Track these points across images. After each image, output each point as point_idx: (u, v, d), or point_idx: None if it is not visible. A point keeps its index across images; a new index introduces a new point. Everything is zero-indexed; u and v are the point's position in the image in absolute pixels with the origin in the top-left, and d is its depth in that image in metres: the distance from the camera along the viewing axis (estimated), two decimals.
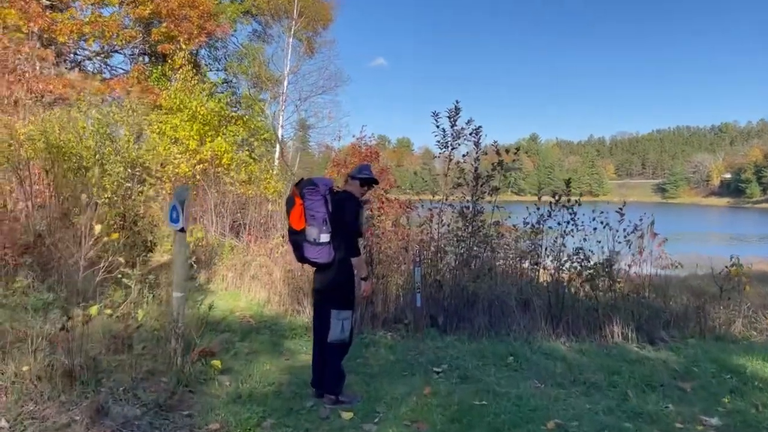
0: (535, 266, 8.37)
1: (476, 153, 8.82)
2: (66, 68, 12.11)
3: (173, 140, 13.87)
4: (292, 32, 21.86)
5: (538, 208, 8.58)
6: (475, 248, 8.57)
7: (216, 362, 4.96)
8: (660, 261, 8.36)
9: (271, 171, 14.34)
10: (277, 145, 17.98)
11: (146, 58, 18.82)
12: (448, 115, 8.85)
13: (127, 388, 4.05)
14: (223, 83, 21.20)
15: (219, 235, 12.37)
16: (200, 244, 11.92)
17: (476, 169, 8.73)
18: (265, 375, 5.26)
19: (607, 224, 8.26)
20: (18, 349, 4.01)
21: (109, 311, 4.92)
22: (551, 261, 8.37)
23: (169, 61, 15.55)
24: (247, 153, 13.92)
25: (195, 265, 11.30)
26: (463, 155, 8.98)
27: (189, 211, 4.45)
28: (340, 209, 4.57)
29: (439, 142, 8.94)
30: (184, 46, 15.49)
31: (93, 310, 4.76)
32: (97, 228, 4.98)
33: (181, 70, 15.18)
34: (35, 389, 3.69)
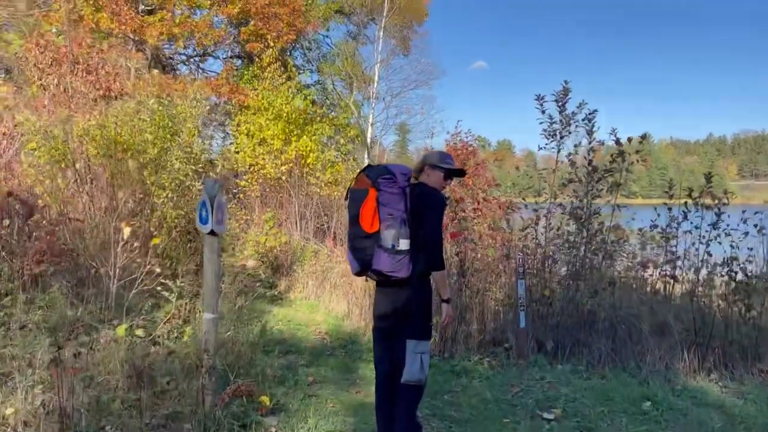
0: (670, 279, 6.75)
1: (590, 143, 7.35)
2: (157, 72, 11.85)
3: (260, 141, 13.33)
4: (383, 25, 20.89)
5: (670, 209, 6.99)
6: (589, 256, 7.10)
7: (264, 398, 3.94)
8: None
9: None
10: (367, 145, 17.10)
11: (239, 62, 18.63)
12: (555, 98, 7.43)
13: None
14: (316, 84, 20.68)
15: (302, 240, 11.60)
16: (283, 249, 11.22)
17: (590, 161, 7.25)
18: (326, 417, 4.18)
19: (762, 228, 6.54)
20: (6, 384, 3.17)
21: (140, 332, 4.04)
22: (689, 272, 6.74)
23: (257, 60, 15.09)
24: (333, 153, 13.06)
25: (268, 272, 10.60)
26: (575, 145, 7.50)
27: (225, 210, 3.46)
28: (422, 207, 3.48)
29: (544, 131, 7.53)
30: (272, 44, 14.95)
31: (120, 330, 3.91)
32: (126, 231, 4.16)
33: (268, 68, 14.65)
34: None
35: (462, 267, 6.61)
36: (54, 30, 12.10)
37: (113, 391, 3.36)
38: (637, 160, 7.33)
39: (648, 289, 7.20)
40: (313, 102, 14.37)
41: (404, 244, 3.32)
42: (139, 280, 4.30)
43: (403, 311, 3.48)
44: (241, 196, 13.21)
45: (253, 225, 12.52)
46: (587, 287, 6.76)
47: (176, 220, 6.23)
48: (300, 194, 12.19)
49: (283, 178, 12.41)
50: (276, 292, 9.58)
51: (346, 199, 3.53)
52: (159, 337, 4.37)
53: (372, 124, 18.99)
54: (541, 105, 7.42)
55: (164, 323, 4.42)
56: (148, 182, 6.13)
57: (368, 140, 17.40)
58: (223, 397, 3.40)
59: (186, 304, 5.19)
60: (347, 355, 6.25)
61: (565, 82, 7.42)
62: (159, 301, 4.81)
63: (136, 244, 4.39)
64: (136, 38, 13.90)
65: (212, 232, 3.36)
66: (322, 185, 12.39)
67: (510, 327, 6.57)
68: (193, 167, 6.41)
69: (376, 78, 20.09)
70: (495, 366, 5.97)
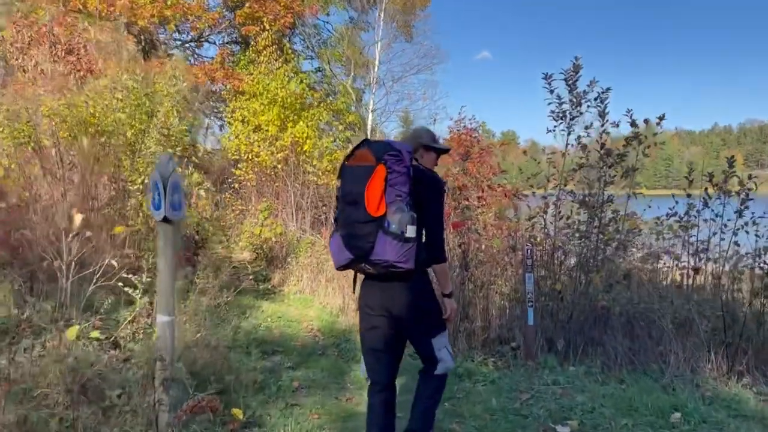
0: (691, 271, 6.20)
1: (602, 125, 6.79)
2: (134, 47, 11.26)
3: (255, 128, 12.78)
4: (383, 7, 20.17)
5: (689, 195, 6.44)
6: (602, 246, 6.55)
7: (236, 411, 3.41)
8: None
9: None
10: (367, 132, 16.48)
11: (236, 48, 18.05)
12: (564, 76, 6.84)
13: None
14: (316, 72, 20.06)
15: (299, 231, 11.08)
16: (279, 240, 10.71)
17: (603, 145, 6.69)
18: (309, 430, 3.66)
19: None
20: None
21: (96, 335, 3.51)
22: (713, 264, 6.18)
23: (252, 43, 14.51)
24: (331, 139, 12.50)
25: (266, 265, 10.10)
26: (586, 127, 6.92)
27: (182, 192, 2.92)
28: (428, 192, 3.10)
29: (552, 112, 6.97)
30: (268, 27, 14.36)
31: (71, 332, 3.37)
32: (77, 219, 3.63)
33: (264, 52, 14.09)
34: None
35: (465, 259, 6.06)
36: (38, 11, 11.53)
37: (52, 407, 2.84)
38: (655, 144, 6.78)
39: (666, 282, 6.65)
40: (311, 87, 13.78)
41: (411, 231, 2.85)
42: (98, 275, 3.77)
43: (414, 307, 3.03)
44: (237, 185, 12.71)
45: (249, 215, 12.05)
46: (600, 281, 6.23)
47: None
48: (296, 183, 11.65)
49: (279, 166, 11.86)
50: (269, 286, 9.08)
51: (338, 177, 3.03)
52: (122, 339, 3.85)
53: (372, 111, 18.36)
54: (549, 84, 6.86)
55: (127, 324, 3.90)
56: (123, 166, 5.60)
57: (368, 127, 16.78)
58: (180, 415, 2.88)
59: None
60: (340, 355, 5.73)
61: (576, 58, 6.83)
62: (129, 298, 4.28)
63: (88, 234, 3.86)
64: (126, 20, 13.31)
65: (166, 220, 2.83)
66: (320, 174, 11.85)
67: (517, 324, 6.03)
68: (171, 150, 5.86)
69: (377, 62, 19.41)
70: (501, 367, 5.44)
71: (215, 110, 16.27)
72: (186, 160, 6.48)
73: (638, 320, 5.70)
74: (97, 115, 5.73)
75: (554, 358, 5.55)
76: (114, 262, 3.70)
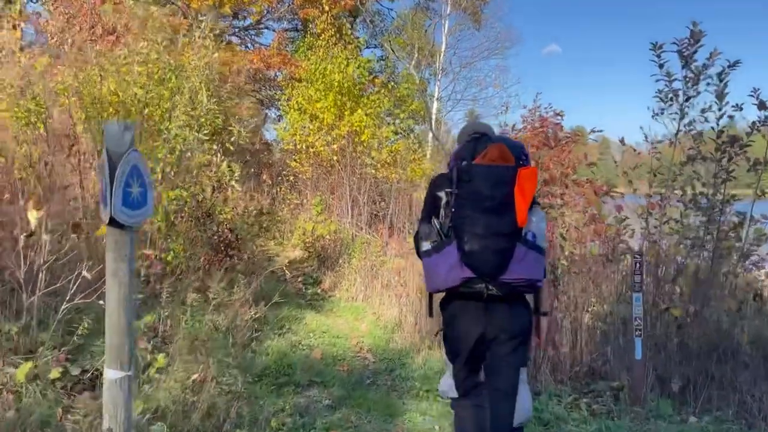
0: None
1: (720, 108, 5.52)
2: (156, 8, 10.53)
3: (311, 117, 11.93)
4: None
5: None
6: (720, 259, 5.26)
7: None
8: None
9: (421, 150, 11.77)
10: (431, 121, 15.29)
11: (296, 35, 17.30)
12: (677, 47, 5.58)
13: None
14: (378, 60, 19.04)
15: (354, 228, 10.11)
16: (332, 239, 9.79)
17: (720, 133, 5.43)
18: None
19: None
20: None
21: (55, 374, 2.58)
22: None
23: (311, 26, 13.63)
24: (392, 129, 11.46)
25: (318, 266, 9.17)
26: (703, 110, 5.61)
27: (145, 181, 1.90)
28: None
29: (659, 92, 5.72)
30: (327, 9, 13.44)
31: (21, 372, 2.46)
32: (32, 216, 2.72)
33: (323, 35, 13.19)
34: None
35: (555, 272, 4.87)
36: None
37: None
38: None
39: None
40: (371, 72, 12.76)
41: (544, 242, 2.65)
42: (72, 290, 2.84)
43: (523, 330, 2.69)
44: (292, 178, 11.93)
45: (303, 210, 11.28)
46: (722, 301, 4.93)
47: (178, 203, 4.78)
48: (353, 176, 10.67)
49: (335, 157, 10.92)
50: (318, 290, 8.13)
51: (462, 179, 2.51)
52: (97, 377, 2.91)
53: (438, 99, 17.06)
54: (658, 56, 5.59)
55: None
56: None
57: (432, 116, 15.58)
58: None
59: (168, 318, 3.73)
60: (393, 386, 4.67)
61: (693, 24, 5.51)
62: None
63: (45, 237, 2.94)
64: (180, 3, 12.69)
65: (114, 222, 1.80)
66: (378, 166, 10.83)
67: (616, 354, 4.80)
68: (197, 134, 4.94)
69: (443, 46, 18.09)
70: (598, 412, 4.24)
71: (272, 99, 15.52)
72: (218, 146, 5.57)
73: None
74: (116, 91, 4.89)
75: (669, 403, 4.31)
76: (86, 274, 2.76)
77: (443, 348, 2.95)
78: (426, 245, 2.55)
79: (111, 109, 4.94)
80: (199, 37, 5.56)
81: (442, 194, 2.56)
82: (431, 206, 2.62)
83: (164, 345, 3.44)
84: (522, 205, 2.44)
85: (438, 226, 2.52)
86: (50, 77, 5.20)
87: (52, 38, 8.28)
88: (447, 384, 2.89)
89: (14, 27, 6.09)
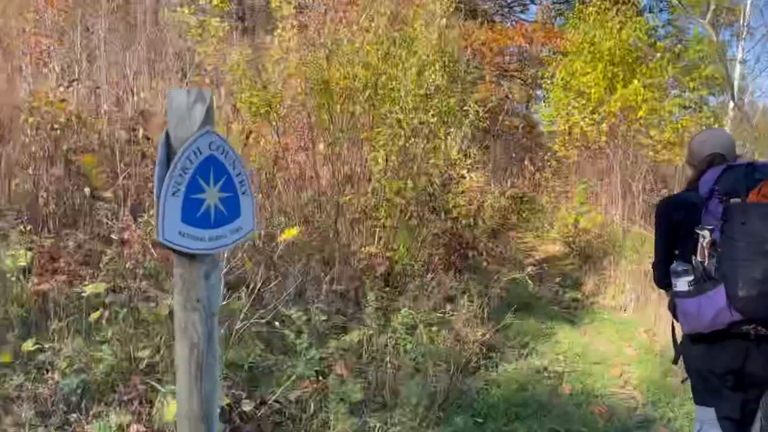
0: None
1: None
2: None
3: (577, 93, 10.61)
4: None
5: None
6: None
7: None
8: None
9: (718, 126, 9.51)
10: (732, 90, 12.39)
11: (566, 7, 15.81)
12: None
13: None
14: (664, 26, 16.39)
15: (626, 221, 8.58)
16: (598, 234, 8.46)
17: None
18: None
19: None
20: None
21: None
22: None
23: None
24: (678, 101, 9.47)
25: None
26: None
27: (240, 184, 1.17)
28: None
29: None
30: None
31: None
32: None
33: (593, 1, 11.60)
34: None
35: None
36: None
37: None
38: None
39: None
40: (651, 36, 10.79)
41: None
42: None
43: None
44: (554, 162, 10.78)
45: (566, 199, 10.16)
46: None
47: (401, 197, 4.16)
48: (625, 160, 9.07)
49: (603, 138, 9.43)
50: (577, 296, 6.93)
51: (734, 218, 2.26)
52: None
53: (741, 62, 13.81)
54: None
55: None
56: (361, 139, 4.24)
57: (734, 85, 12.66)
58: None
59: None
60: None
61: None
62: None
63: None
64: None
65: (171, 248, 1.10)
66: (659, 147, 9.02)
67: None
68: (423, 116, 4.21)
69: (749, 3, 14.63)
70: None
71: (534, 79, 14.37)
72: (455, 129, 4.80)
73: None
74: (342, 72, 4.47)
75: None
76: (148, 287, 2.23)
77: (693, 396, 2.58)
78: (683, 285, 2.32)
79: (336, 95, 4.55)
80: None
81: (704, 232, 2.30)
82: (672, 234, 2.45)
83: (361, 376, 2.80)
84: None
85: (702, 267, 2.30)
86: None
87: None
88: None
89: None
